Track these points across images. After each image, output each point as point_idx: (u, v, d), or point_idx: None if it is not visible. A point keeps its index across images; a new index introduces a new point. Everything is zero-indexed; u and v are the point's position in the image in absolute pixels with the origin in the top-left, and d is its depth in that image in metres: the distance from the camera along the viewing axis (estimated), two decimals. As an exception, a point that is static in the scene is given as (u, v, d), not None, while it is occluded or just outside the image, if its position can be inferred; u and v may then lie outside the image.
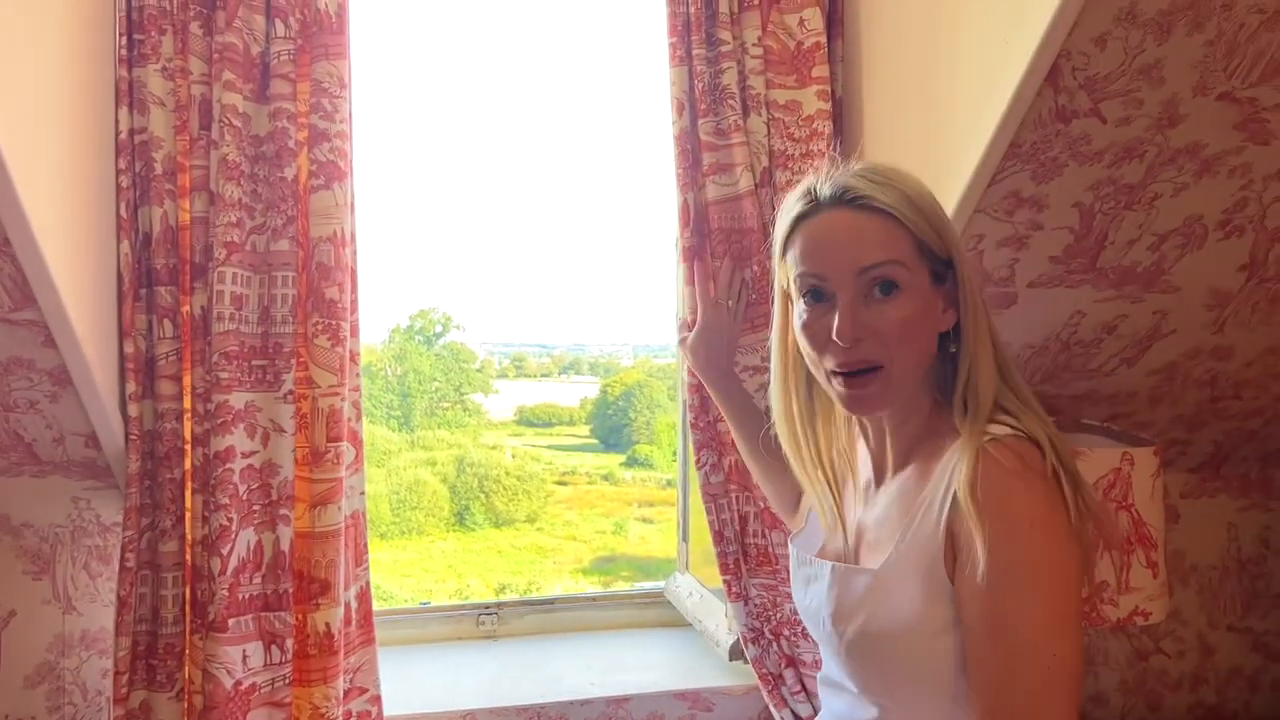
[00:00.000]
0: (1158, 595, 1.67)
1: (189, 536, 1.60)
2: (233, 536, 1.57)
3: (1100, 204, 1.59)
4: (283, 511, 1.60)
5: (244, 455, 1.59)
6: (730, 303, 1.72)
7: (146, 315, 1.59)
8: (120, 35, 1.57)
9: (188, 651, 1.60)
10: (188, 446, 1.60)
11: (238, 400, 1.57)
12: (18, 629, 1.77)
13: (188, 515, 1.60)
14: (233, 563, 1.57)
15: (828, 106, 1.74)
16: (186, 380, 1.59)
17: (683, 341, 1.71)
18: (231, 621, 1.57)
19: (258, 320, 1.60)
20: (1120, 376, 1.93)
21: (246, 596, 1.60)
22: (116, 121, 1.58)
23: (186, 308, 1.58)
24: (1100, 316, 1.79)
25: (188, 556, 1.60)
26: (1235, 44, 1.37)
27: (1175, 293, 1.77)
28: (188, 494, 1.60)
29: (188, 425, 1.60)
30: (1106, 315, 1.79)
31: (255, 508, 1.60)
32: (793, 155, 1.74)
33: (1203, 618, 2.25)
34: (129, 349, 1.58)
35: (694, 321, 1.71)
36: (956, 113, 1.52)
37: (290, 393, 1.59)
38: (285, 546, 1.60)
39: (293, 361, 1.59)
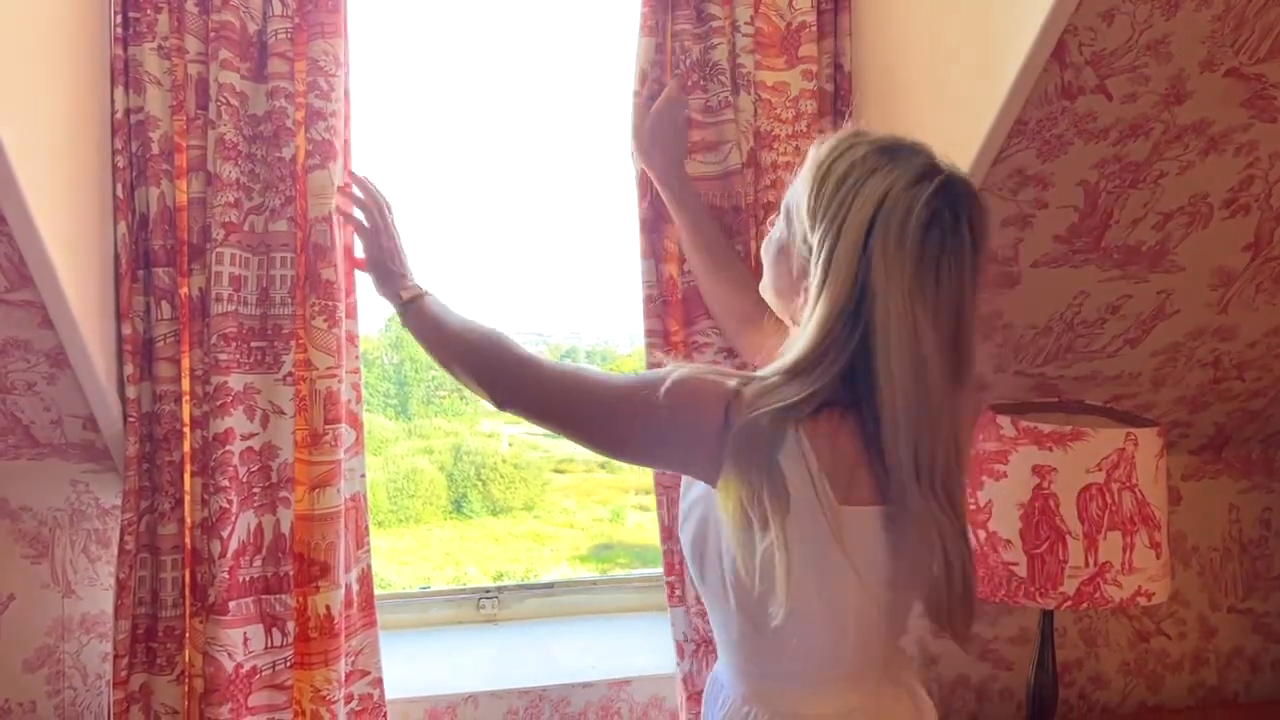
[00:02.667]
0: (1160, 576, 1.67)
1: (188, 519, 1.59)
2: (233, 519, 1.56)
3: (1105, 182, 1.58)
4: (283, 494, 1.59)
5: (243, 437, 1.57)
6: (684, 112, 1.67)
7: (144, 296, 1.57)
8: (115, 13, 1.55)
9: (188, 635, 1.60)
10: (186, 429, 1.58)
11: (236, 382, 1.56)
12: (17, 613, 1.76)
13: (187, 498, 1.59)
14: (233, 545, 1.56)
15: (813, 86, 1.72)
16: (185, 362, 1.58)
17: (638, 136, 1.63)
18: (232, 604, 1.56)
19: (256, 301, 1.58)
20: (1123, 358, 1.93)
21: (247, 579, 1.59)
22: (112, 101, 1.56)
23: (185, 289, 1.57)
24: (1104, 297, 1.79)
25: (187, 539, 1.59)
26: (1243, 19, 1.36)
27: (1179, 272, 1.76)
28: (187, 476, 1.58)
29: (186, 407, 1.59)
30: (1110, 295, 1.79)
31: (255, 490, 1.59)
32: (779, 136, 1.72)
33: (1204, 599, 2.25)
34: (126, 330, 1.57)
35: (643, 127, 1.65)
36: (961, 89, 1.51)
37: (290, 374, 1.58)
38: (285, 529, 1.59)
39: (292, 343, 1.58)
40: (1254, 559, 2.27)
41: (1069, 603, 1.63)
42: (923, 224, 1.05)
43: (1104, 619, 2.20)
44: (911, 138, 1.14)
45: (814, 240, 1.11)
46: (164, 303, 1.57)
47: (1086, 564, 1.63)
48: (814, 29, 1.72)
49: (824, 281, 1.08)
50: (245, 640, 1.58)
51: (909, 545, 1.12)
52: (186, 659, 1.59)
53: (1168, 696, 2.24)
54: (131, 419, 1.57)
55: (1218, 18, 1.36)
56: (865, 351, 1.07)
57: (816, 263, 1.10)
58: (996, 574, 1.66)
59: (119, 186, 1.55)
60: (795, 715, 1.18)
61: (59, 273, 1.39)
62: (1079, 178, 1.57)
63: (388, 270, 1.53)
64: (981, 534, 1.68)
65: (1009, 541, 1.65)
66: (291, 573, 1.60)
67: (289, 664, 1.60)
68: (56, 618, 1.77)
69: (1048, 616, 1.80)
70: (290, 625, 1.60)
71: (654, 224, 1.70)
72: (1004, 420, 1.68)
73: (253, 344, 1.58)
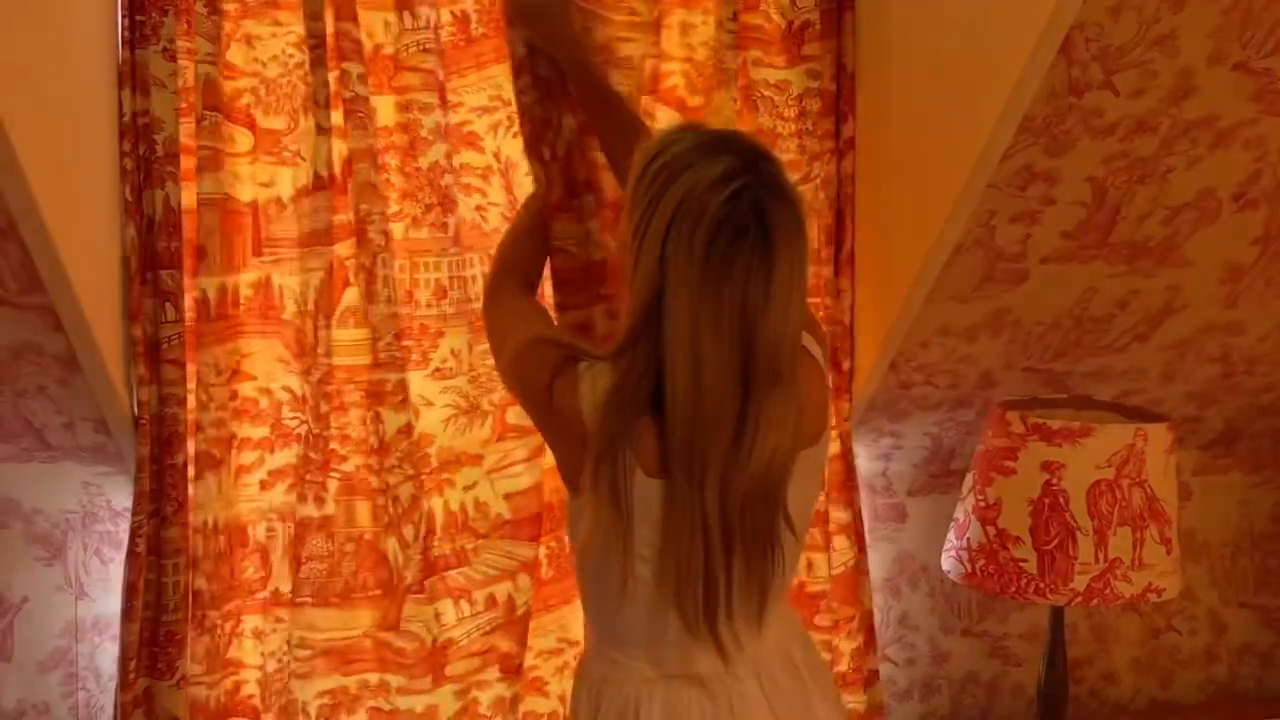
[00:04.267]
0: (1171, 572, 1.67)
1: (191, 522, 1.59)
2: (423, 504, 1.64)
3: (1113, 178, 1.58)
4: (445, 476, 1.66)
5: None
6: None
7: (153, 299, 1.58)
8: (123, 17, 1.55)
9: (187, 640, 1.60)
10: (191, 432, 1.59)
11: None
12: (30, 615, 1.77)
13: (190, 502, 1.59)
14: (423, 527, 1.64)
15: (817, 85, 1.74)
16: (191, 365, 1.59)
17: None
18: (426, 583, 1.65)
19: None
20: (1132, 353, 1.93)
21: (438, 556, 1.67)
22: (120, 104, 1.56)
23: (194, 292, 1.58)
24: (1113, 292, 1.78)
25: (191, 543, 1.59)
26: (1251, 13, 1.36)
27: (1188, 267, 1.76)
28: (189, 480, 1.59)
29: (190, 411, 1.59)
30: (1119, 291, 1.78)
31: (423, 476, 1.66)
32: (782, 134, 1.75)
33: (1215, 595, 2.24)
34: (136, 333, 1.57)
35: None
36: (967, 86, 1.51)
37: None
38: (455, 507, 1.68)
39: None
40: (1265, 554, 2.26)
41: (1079, 599, 1.63)
42: (713, 227, 1.06)
43: (1115, 615, 2.19)
44: (739, 133, 1.15)
45: (629, 235, 1.13)
46: (169, 305, 1.57)
47: (1097, 560, 1.62)
48: (818, 27, 1.72)
49: (632, 278, 1.12)
50: (437, 616, 1.66)
51: (672, 525, 1.15)
52: (187, 664, 1.59)
53: (1179, 693, 2.24)
54: (143, 421, 1.58)
55: (1225, 12, 1.36)
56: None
57: (630, 258, 1.13)
58: (1006, 571, 1.65)
59: (128, 189, 1.56)
60: (605, 680, 1.25)
61: (70, 276, 1.40)
62: (1087, 173, 1.57)
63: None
64: (991, 530, 1.68)
65: (1018, 538, 1.65)
66: (470, 547, 1.69)
67: (483, 631, 1.69)
68: (70, 620, 1.78)
69: (1058, 613, 1.80)
70: (478, 594, 1.69)
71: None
72: (1013, 416, 1.68)
73: (404, 343, 1.63)
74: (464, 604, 1.68)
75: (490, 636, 1.69)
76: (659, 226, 1.08)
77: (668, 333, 1.09)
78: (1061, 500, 1.63)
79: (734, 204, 1.07)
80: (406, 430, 1.63)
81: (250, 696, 1.65)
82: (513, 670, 1.72)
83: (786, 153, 1.72)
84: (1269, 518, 2.26)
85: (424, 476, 1.66)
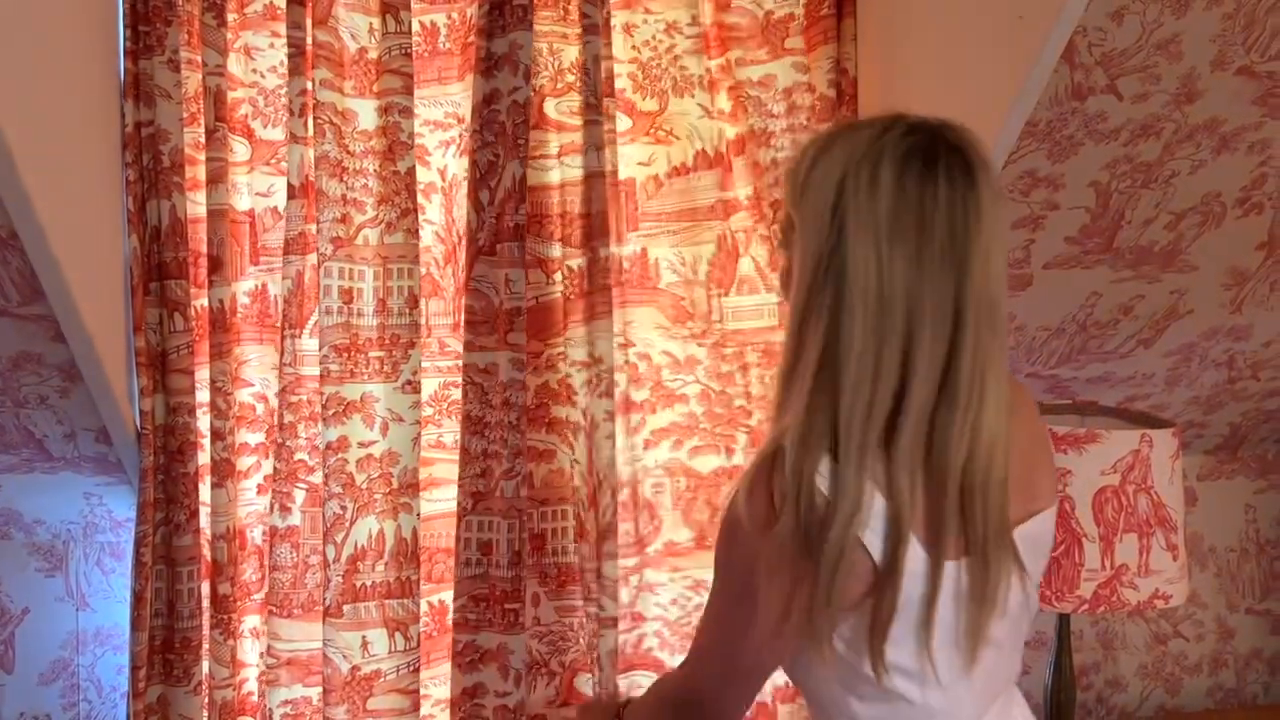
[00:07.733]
0: (1178, 578, 1.66)
1: (205, 531, 1.59)
2: (347, 524, 1.59)
3: (1117, 183, 1.58)
4: (404, 500, 1.61)
5: (361, 445, 1.61)
6: None
7: (158, 309, 1.57)
8: (125, 27, 1.55)
9: (206, 646, 1.60)
10: (205, 440, 1.59)
11: (352, 391, 1.59)
12: (31, 626, 1.76)
13: (203, 509, 1.59)
14: (347, 550, 1.59)
15: (806, 79, 1.73)
16: (201, 374, 1.59)
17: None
18: (347, 608, 1.59)
19: (373, 311, 1.61)
20: (1137, 358, 1.92)
21: (369, 584, 1.61)
22: (123, 114, 1.56)
23: (202, 301, 1.58)
24: (1117, 297, 1.78)
25: (205, 551, 1.59)
26: (1254, 17, 1.36)
27: (1193, 272, 1.75)
28: (204, 488, 1.59)
29: (206, 419, 1.59)
30: (1123, 296, 1.78)
31: (375, 496, 1.62)
32: (774, 131, 1.76)
33: (1221, 600, 2.23)
34: (139, 343, 1.57)
35: None
36: (971, 91, 1.51)
37: (409, 383, 1.61)
38: (407, 534, 1.62)
39: (411, 352, 1.61)
40: (1271, 559, 2.25)
41: (1086, 606, 1.62)
42: (899, 159, 0.91)
43: (1121, 621, 2.18)
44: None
45: (785, 246, 1.00)
46: (177, 315, 1.57)
47: (1103, 567, 1.61)
48: (802, 21, 1.72)
49: (791, 284, 0.97)
50: (365, 644, 1.60)
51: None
52: (205, 670, 1.60)
53: (1186, 699, 2.23)
54: (146, 432, 1.57)
55: (1228, 16, 1.36)
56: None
57: (788, 264, 0.99)
58: (1012, 578, 1.65)
59: (130, 200, 1.56)
60: None
61: (71, 287, 1.39)
62: (1090, 178, 1.56)
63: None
64: (997, 537, 1.67)
65: (1024, 545, 1.64)
66: (415, 577, 1.62)
67: (412, 668, 1.62)
68: (71, 631, 1.77)
69: (1064, 620, 1.79)
70: (413, 629, 1.61)
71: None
72: (1018, 423, 1.67)
73: (371, 354, 1.59)
74: (399, 637, 1.62)
75: (418, 675, 1.64)
76: (821, 193, 0.92)
77: (848, 293, 0.90)
78: (1067, 507, 1.62)
79: (915, 136, 0.93)
80: (339, 445, 1.59)
81: (250, 695, 1.67)
82: None
83: (782, 150, 1.72)
84: (1275, 523, 2.25)
85: (374, 496, 1.62)
